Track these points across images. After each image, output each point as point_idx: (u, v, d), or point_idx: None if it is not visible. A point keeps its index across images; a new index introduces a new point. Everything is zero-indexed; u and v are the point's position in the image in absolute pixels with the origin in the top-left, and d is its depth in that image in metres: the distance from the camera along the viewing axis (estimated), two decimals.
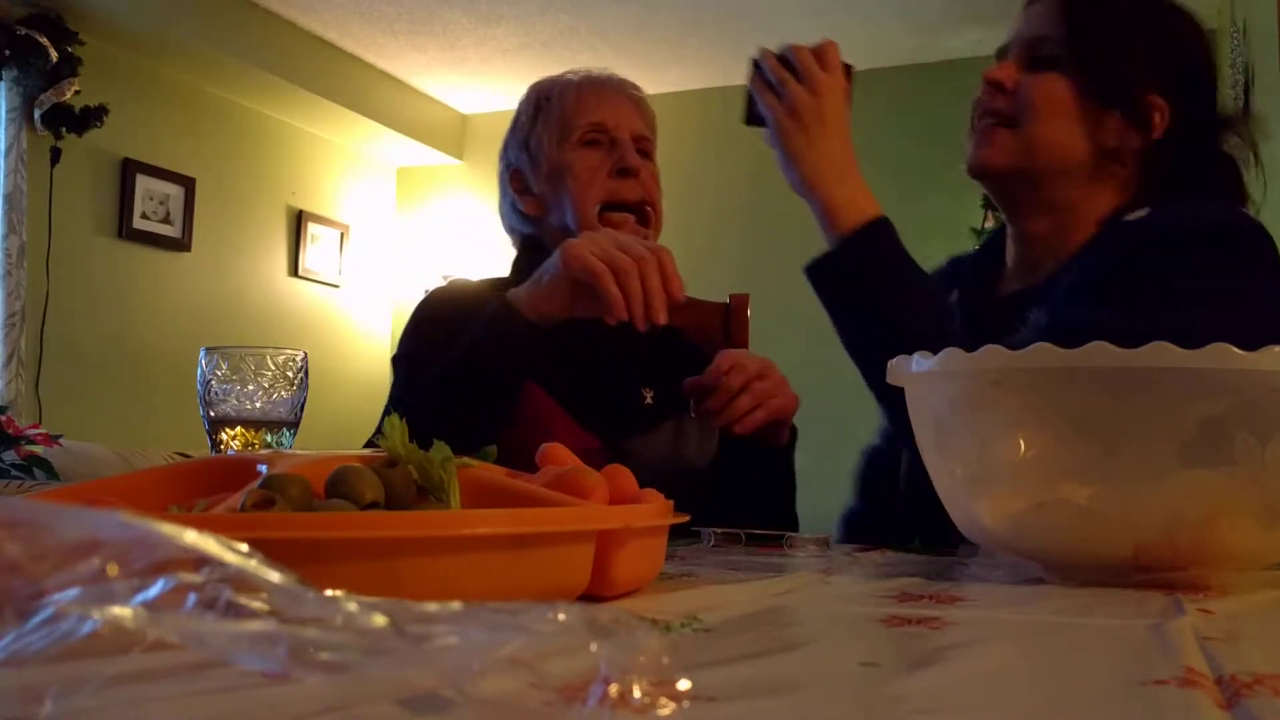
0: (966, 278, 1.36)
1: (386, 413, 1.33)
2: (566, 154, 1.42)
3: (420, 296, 1.53)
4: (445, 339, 1.26)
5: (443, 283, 1.68)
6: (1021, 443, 0.73)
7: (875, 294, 1.11)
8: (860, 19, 4.55)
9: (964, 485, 0.78)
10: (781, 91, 1.16)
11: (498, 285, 1.41)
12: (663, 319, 1.10)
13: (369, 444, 0.99)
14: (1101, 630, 0.55)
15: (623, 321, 1.12)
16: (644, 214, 1.41)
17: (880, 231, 1.12)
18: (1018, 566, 0.82)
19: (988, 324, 1.13)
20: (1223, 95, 1.24)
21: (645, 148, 1.44)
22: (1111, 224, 1.15)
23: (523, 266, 1.43)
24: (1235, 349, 0.66)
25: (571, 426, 1.31)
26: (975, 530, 0.80)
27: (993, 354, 0.72)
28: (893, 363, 0.83)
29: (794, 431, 1.39)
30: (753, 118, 1.19)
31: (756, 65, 1.19)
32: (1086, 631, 0.55)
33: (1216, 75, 1.23)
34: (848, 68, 1.18)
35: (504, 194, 1.51)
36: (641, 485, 1.00)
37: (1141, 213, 1.13)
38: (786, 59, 1.17)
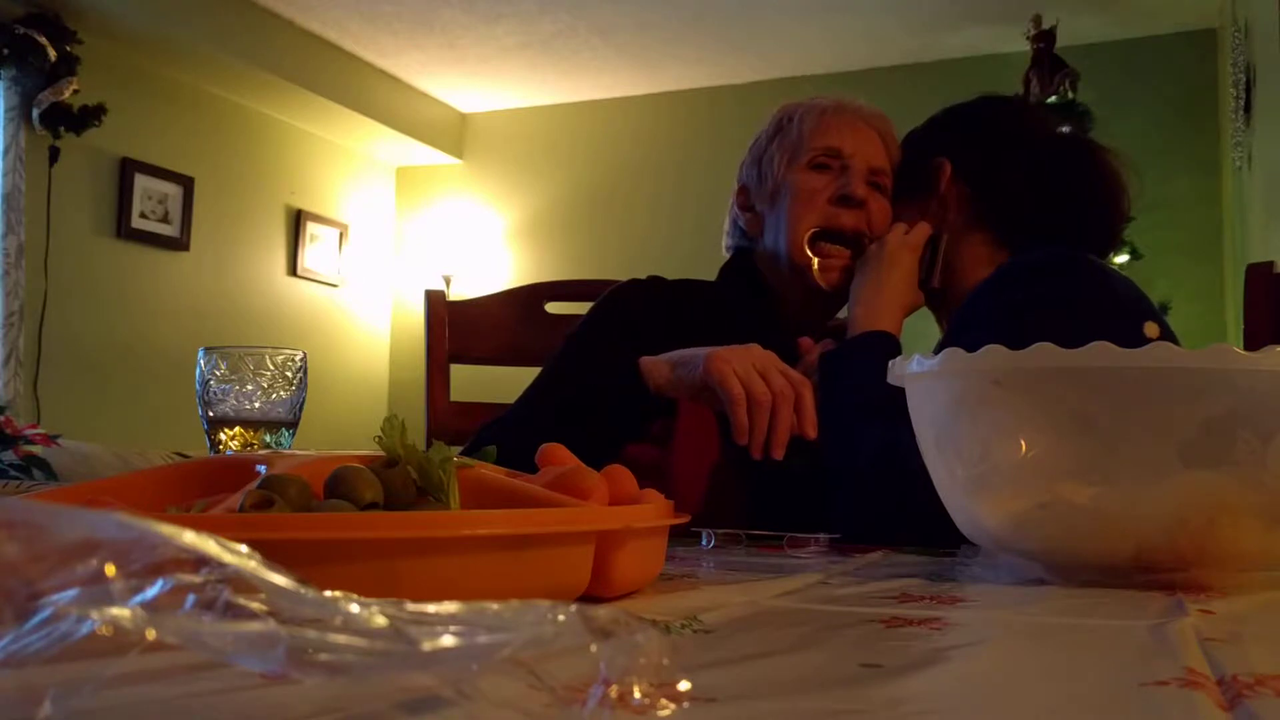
0: None
1: (518, 403, 1.36)
2: (793, 174, 1.38)
3: (419, 296, 1.53)
4: (626, 337, 1.29)
5: (443, 283, 1.69)
6: (1022, 443, 0.73)
7: (846, 386, 1.23)
8: (860, 19, 4.55)
9: (964, 485, 0.78)
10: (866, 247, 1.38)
11: (696, 290, 1.44)
12: (779, 456, 1.12)
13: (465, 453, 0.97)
14: (1102, 631, 0.55)
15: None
16: (861, 248, 1.36)
17: (872, 341, 1.27)
18: (1018, 567, 0.82)
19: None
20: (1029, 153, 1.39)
21: (880, 181, 1.39)
22: (983, 284, 1.30)
23: (729, 277, 1.46)
24: (1237, 349, 0.66)
25: (725, 460, 1.30)
26: (976, 530, 0.80)
27: (993, 354, 0.72)
28: (893, 363, 0.84)
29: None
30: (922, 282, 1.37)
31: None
32: (1087, 632, 0.55)
33: (1021, 130, 1.42)
34: (937, 234, 1.36)
35: (729, 209, 1.50)
36: (794, 522, 1.03)
37: (1005, 265, 1.29)
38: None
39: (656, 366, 1.21)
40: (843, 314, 1.42)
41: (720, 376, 1.13)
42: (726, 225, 1.52)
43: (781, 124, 1.44)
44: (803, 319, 1.39)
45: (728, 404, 1.13)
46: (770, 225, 1.41)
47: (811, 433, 1.13)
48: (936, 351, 1.24)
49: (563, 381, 1.34)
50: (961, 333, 1.21)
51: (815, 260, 1.35)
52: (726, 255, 1.52)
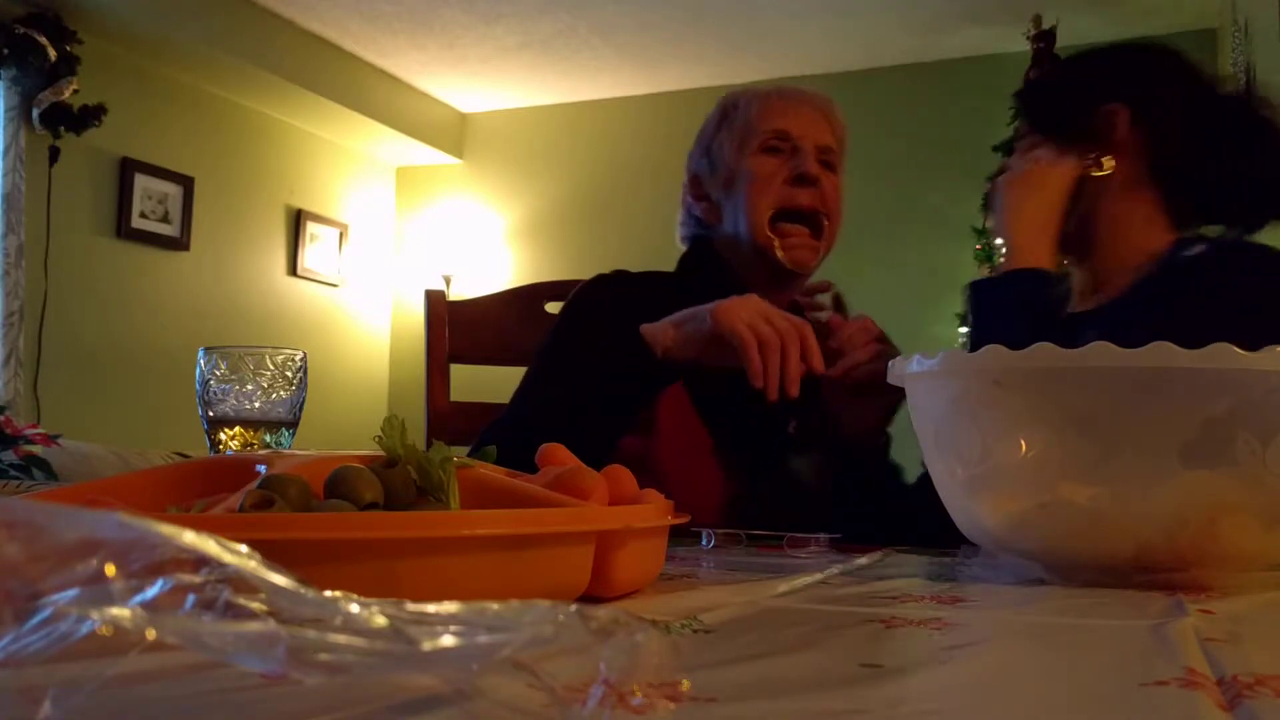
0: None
1: (512, 405, 1.37)
2: (745, 160, 1.41)
3: (419, 296, 1.53)
4: (599, 334, 1.31)
5: (443, 283, 1.70)
6: (1022, 443, 0.73)
7: (994, 323, 1.22)
8: (859, 18, 4.55)
9: (965, 485, 0.78)
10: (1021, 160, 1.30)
11: (660, 281, 1.46)
12: (795, 392, 1.17)
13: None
14: (1103, 631, 0.55)
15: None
16: (818, 225, 1.39)
17: (1028, 276, 1.21)
18: (1019, 567, 0.82)
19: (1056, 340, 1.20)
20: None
21: (829, 159, 1.42)
22: (1169, 258, 1.23)
23: (689, 267, 1.49)
24: (1237, 349, 0.66)
25: (709, 446, 1.32)
26: (976, 530, 0.80)
27: (993, 354, 0.72)
28: (893, 362, 0.84)
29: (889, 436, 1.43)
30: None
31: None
32: (1088, 632, 0.55)
33: (1194, 74, 1.31)
34: (1084, 179, 1.27)
35: (682, 200, 1.52)
36: (781, 509, 1.05)
37: (1199, 248, 1.23)
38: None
39: (661, 330, 1.23)
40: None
41: (729, 325, 1.17)
42: (680, 217, 1.54)
43: (727, 112, 1.47)
44: (768, 299, 1.40)
45: (740, 349, 1.16)
46: (729, 211, 1.43)
47: (819, 368, 1.18)
48: (1109, 322, 1.14)
49: (558, 376, 1.35)
50: (1143, 315, 1.17)
51: (776, 240, 1.38)
52: (682, 247, 1.54)
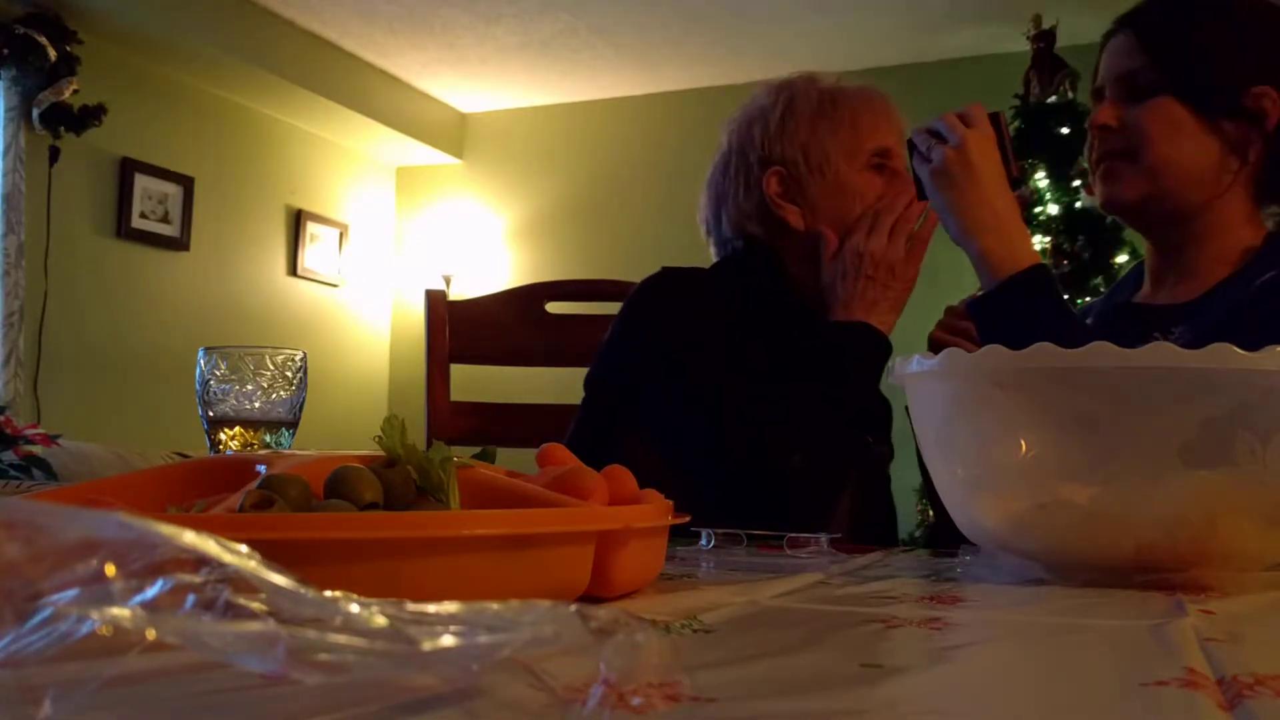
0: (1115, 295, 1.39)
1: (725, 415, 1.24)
2: (854, 174, 1.33)
3: (419, 296, 1.52)
4: (717, 332, 1.29)
5: (443, 283, 1.69)
6: (1022, 443, 0.73)
7: (1022, 338, 1.13)
8: (859, 19, 4.55)
9: (964, 485, 0.78)
10: (931, 156, 1.18)
11: (713, 281, 1.37)
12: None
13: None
14: (1103, 631, 0.55)
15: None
16: None
17: (1032, 280, 1.14)
18: (1019, 567, 0.82)
19: (1117, 328, 1.18)
20: None
21: None
22: (1272, 253, 1.16)
23: (751, 270, 1.36)
24: (1236, 349, 0.66)
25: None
26: (976, 530, 0.80)
27: (993, 354, 0.72)
28: (893, 363, 0.84)
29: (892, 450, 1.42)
30: (923, 193, 1.23)
31: (911, 144, 1.23)
32: (1088, 632, 0.55)
33: None
34: (996, 115, 1.19)
35: (747, 190, 1.37)
36: (855, 518, 1.12)
37: None
38: (934, 129, 1.20)
39: (880, 316, 1.29)
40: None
41: (910, 275, 1.31)
42: (737, 203, 1.39)
43: (823, 106, 1.36)
44: (818, 311, 1.35)
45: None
46: (832, 225, 1.33)
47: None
48: (1221, 323, 1.08)
49: (754, 383, 1.25)
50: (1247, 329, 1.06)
51: None
52: (732, 240, 1.41)
